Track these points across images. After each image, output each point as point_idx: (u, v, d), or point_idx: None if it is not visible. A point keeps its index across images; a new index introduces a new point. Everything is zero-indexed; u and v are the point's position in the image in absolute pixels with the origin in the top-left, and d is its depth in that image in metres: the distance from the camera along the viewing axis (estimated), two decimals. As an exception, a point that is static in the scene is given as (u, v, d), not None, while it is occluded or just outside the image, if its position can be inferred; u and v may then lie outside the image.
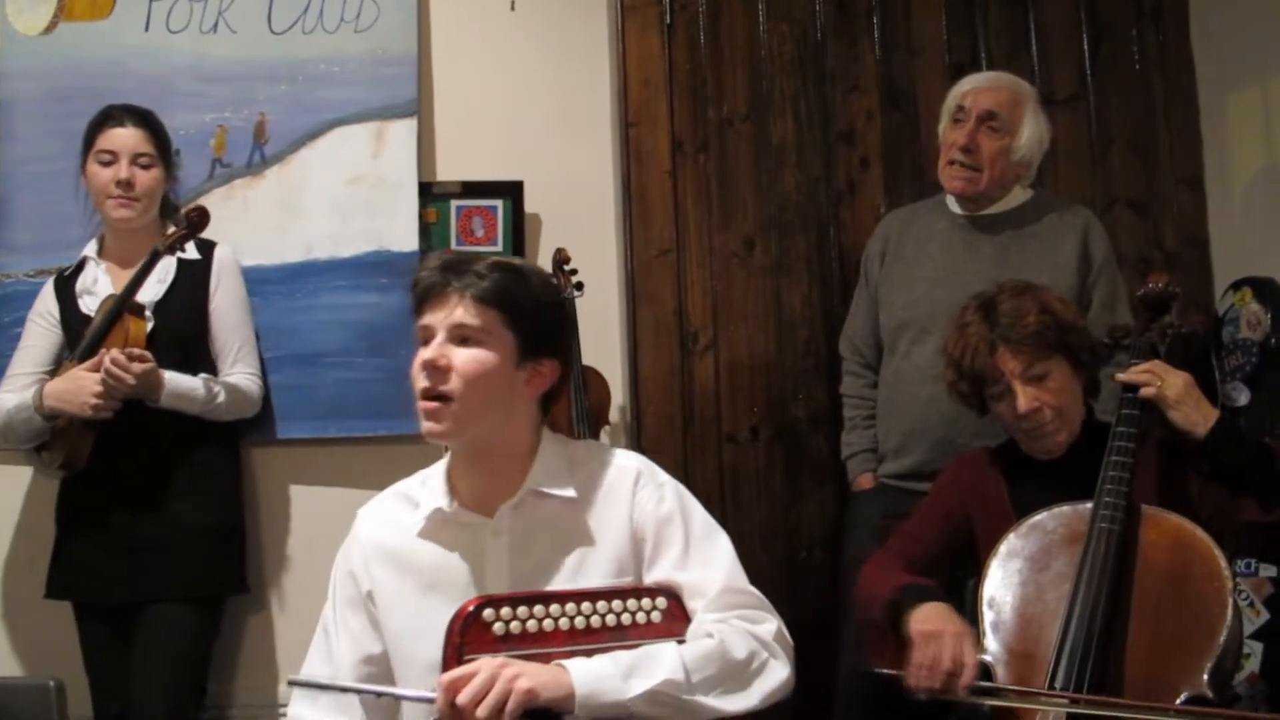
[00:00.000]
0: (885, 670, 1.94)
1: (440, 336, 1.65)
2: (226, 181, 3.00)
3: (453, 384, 1.63)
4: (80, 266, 2.75)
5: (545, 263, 2.98)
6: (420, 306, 1.68)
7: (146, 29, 3.01)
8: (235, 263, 2.81)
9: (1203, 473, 2.06)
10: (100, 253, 2.76)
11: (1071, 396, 2.10)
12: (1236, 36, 3.10)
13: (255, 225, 2.95)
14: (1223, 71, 3.15)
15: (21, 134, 2.95)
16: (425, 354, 1.64)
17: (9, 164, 2.94)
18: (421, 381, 1.65)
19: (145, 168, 2.68)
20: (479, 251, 2.95)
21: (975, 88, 2.65)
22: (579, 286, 2.92)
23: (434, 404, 1.64)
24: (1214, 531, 1.93)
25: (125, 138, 2.68)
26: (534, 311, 1.67)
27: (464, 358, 1.63)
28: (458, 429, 1.65)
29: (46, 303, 2.73)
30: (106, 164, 2.67)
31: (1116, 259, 2.70)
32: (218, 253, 2.77)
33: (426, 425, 1.65)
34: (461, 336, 1.64)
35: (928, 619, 1.93)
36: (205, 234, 2.72)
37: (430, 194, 3.09)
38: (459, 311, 1.64)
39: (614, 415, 3.07)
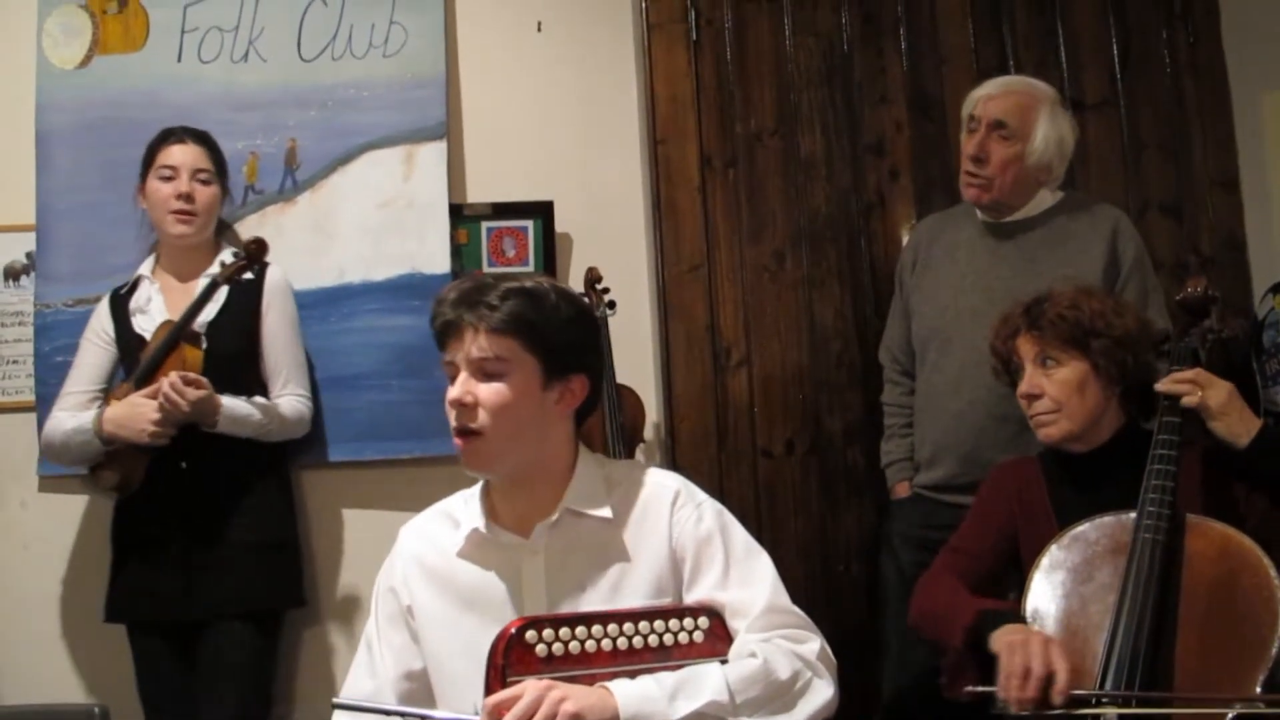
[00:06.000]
0: (974, 689, 1.85)
1: (464, 372, 1.65)
2: (259, 208, 3.03)
3: (481, 420, 1.64)
4: (135, 285, 2.78)
5: (577, 282, 2.99)
6: (441, 342, 1.69)
7: (179, 59, 3.05)
8: (287, 284, 2.82)
9: (1249, 482, 2.04)
10: (155, 271, 2.79)
11: (1079, 396, 2.07)
12: (1269, 35, 3.07)
13: (288, 250, 2.97)
14: (1256, 71, 3.11)
15: (59, 165, 2.99)
16: (451, 392, 1.65)
17: (47, 195, 2.98)
18: (452, 420, 1.66)
19: (204, 183, 2.73)
20: (504, 272, 2.97)
21: (986, 95, 2.63)
22: (611, 305, 2.92)
23: (467, 440, 1.65)
24: (1261, 540, 1.90)
25: (186, 154, 2.73)
26: (554, 331, 1.66)
27: (488, 392, 1.64)
28: (493, 462, 1.67)
29: (102, 320, 2.76)
30: (167, 179, 2.71)
31: (1151, 262, 2.67)
32: (269, 274, 2.78)
33: (464, 460, 1.67)
34: (483, 370, 1.64)
35: (1013, 631, 1.88)
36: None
37: (461, 216, 3.11)
38: (476, 347, 1.63)
39: (649, 432, 3.07)
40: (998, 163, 2.57)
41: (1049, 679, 1.78)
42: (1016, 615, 1.94)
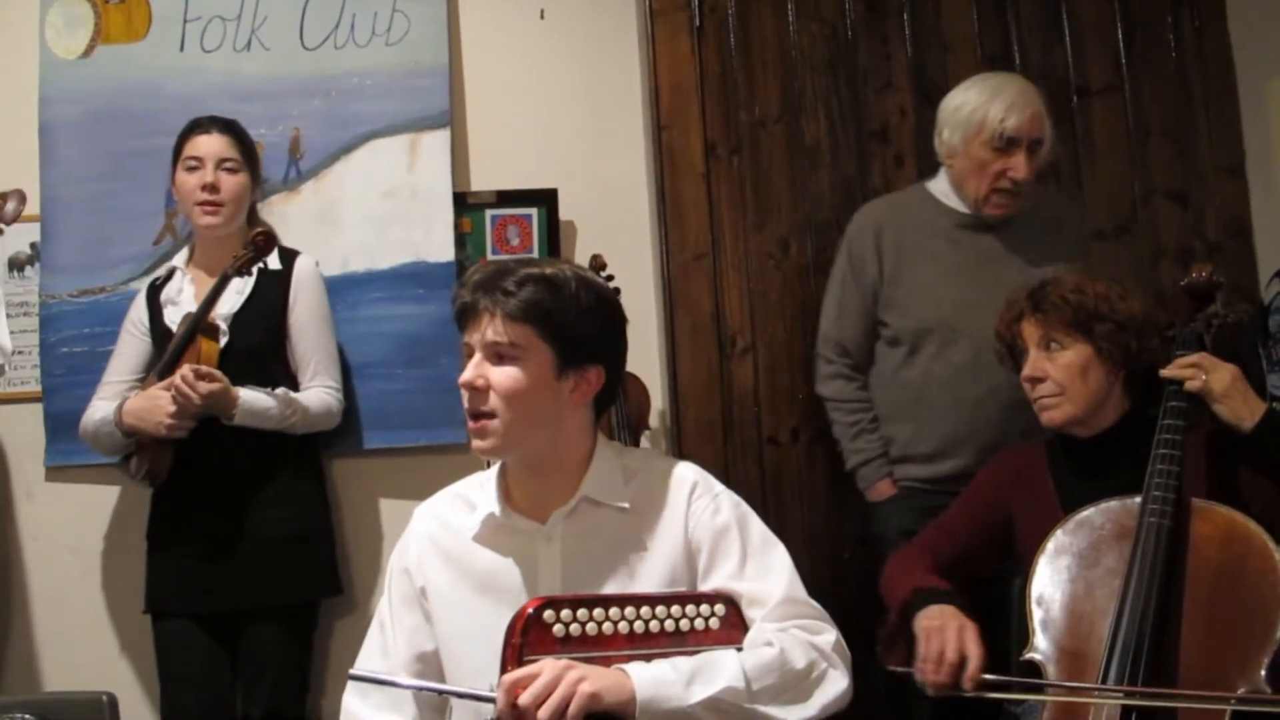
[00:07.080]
0: (896, 667, 1.97)
1: (478, 355, 1.66)
2: (264, 198, 3.01)
3: (492, 403, 1.64)
4: (170, 275, 2.78)
5: (582, 270, 2.98)
6: (460, 324, 1.70)
7: (181, 49, 3.04)
8: (316, 274, 2.81)
9: (1254, 466, 2.04)
10: (188, 262, 2.79)
11: (1082, 379, 2.08)
12: (1275, 21, 3.06)
13: (293, 240, 2.96)
14: (1261, 57, 3.11)
15: (63, 157, 2.98)
16: (464, 375, 1.66)
17: (51, 187, 2.97)
18: (464, 401, 1.67)
19: (231, 172, 2.71)
20: (519, 258, 2.96)
21: (1022, 119, 2.56)
22: (616, 292, 2.91)
23: (478, 423, 1.66)
24: (1267, 525, 1.90)
25: (211, 144, 2.71)
26: (571, 321, 1.65)
27: (500, 376, 1.64)
28: (504, 446, 1.66)
29: (138, 310, 2.76)
30: (193, 169, 2.70)
31: (1160, 251, 2.69)
32: (298, 264, 2.78)
33: (475, 443, 1.68)
34: (497, 354, 1.65)
35: (932, 615, 1.95)
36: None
37: (465, 204, 3.11)
38: (491, 330, 1.64)
39: (654, 420, 3.07)
40: (1033, 177, 2.60)
41: (962, 665, 1.87)
42: (946, 596, 1.99)
